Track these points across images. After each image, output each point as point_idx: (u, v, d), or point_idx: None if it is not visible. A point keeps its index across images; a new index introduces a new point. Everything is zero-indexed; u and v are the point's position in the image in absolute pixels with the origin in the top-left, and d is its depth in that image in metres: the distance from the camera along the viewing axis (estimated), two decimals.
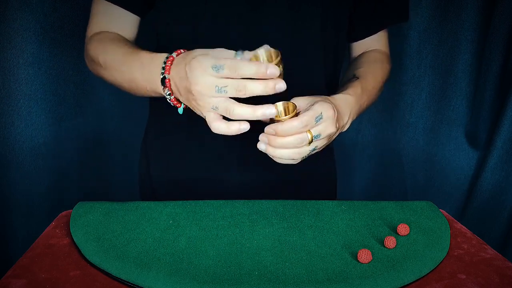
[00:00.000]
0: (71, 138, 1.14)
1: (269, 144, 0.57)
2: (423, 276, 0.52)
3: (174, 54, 0.60)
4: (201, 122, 0.58)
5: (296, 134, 0.55)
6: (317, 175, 0.83)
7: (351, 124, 0.67)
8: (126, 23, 0.75)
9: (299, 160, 0.59)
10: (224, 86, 0.52)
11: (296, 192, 0.78)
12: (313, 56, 0.74)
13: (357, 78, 0.73)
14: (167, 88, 0.59)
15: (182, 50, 0.60)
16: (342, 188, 0.91)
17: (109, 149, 1.21)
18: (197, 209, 0.64)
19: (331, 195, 0.87)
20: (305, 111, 0.56)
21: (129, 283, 0.49)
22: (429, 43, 1.17)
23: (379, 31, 0.83)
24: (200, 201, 0.67)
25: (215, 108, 0.53)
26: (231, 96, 0.53)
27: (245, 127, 0.54)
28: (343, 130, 0.65)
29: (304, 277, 0.50)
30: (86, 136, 1.17)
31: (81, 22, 1.07)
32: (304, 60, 0.73)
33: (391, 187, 1.30)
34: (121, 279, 0.49)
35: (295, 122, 0.54)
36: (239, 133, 0.54)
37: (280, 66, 0.55)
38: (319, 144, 0.58)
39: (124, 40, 0.72)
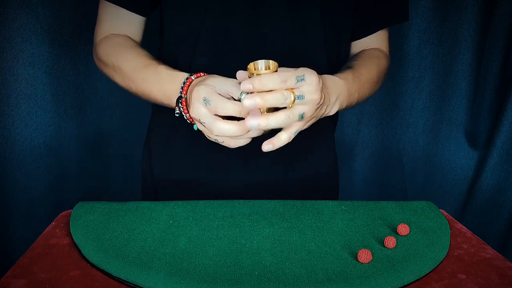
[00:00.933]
0: (71, 138, 1.14)
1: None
2: (423, 276, 0.52)
3: (193, 77, 0.62)
4: None
5: (277, 91, 0.52)
6: (319, 174, 0.83)
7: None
8: (132, 24, 0.77)
9: (292, 132, 0.56)
10: (203, 121, 0.57)
11: (297, 192, 0.78)
12: (314, 56, 0.74)
13: (349, 67, 0.73)
14: (179, 107, 0.62)
15: (202, 74, 0.63)
16: (342, 188, 0.91)
17: (109, 149, 1.21)
18: (197, 209, 0.64)
19: (333, 195, 0.87)
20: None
21: (129, 283, 0.49)
22: (429, 43, 1.17)
23: (379, 30, 0.82)
24: (200, 201, 0.67)
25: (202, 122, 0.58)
26: (207, 128, 0.58)
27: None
28: (329, 114, 0.63)
29: (304, 277, 0.50)
30: (86, 136, 1.17)
31: (81, 22, 1.07)
32: (305, 60, 0.73)
33: (391, 187, 1.30)
34: (121, 279, 0.50)
35: (274, 75, 0.52)
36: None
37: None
38: (307, 110, 0.55)
39: (138, 47, 0.74)
